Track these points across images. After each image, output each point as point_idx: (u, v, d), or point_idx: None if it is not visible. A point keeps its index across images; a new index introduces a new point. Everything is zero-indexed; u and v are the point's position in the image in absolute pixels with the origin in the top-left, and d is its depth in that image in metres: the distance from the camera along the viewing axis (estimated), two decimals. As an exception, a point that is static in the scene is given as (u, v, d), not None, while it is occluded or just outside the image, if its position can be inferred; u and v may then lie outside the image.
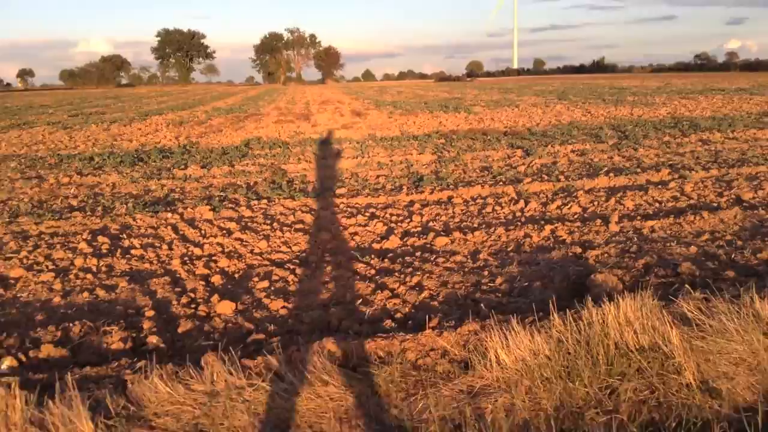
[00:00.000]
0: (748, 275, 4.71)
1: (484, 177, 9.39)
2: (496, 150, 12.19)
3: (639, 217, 6.62)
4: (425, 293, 4.60)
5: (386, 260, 5.45)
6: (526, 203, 7.49)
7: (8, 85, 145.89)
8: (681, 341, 3.61)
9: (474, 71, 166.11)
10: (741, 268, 4.95)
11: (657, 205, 7.24)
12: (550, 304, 3.70)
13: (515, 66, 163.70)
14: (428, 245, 5.92)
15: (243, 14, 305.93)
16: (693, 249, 5.46)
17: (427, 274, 5.04)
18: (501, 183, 8.77)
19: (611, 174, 8.99)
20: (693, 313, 3.88)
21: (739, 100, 23.09)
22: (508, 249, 5.75)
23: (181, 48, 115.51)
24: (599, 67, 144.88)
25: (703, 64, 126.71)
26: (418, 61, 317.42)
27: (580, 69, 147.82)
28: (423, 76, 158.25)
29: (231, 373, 3.25)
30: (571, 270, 5.04)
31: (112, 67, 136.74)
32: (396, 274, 5.09)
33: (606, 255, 5.41)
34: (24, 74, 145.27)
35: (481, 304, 4.25)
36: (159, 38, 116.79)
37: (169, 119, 22.74)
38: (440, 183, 8.82)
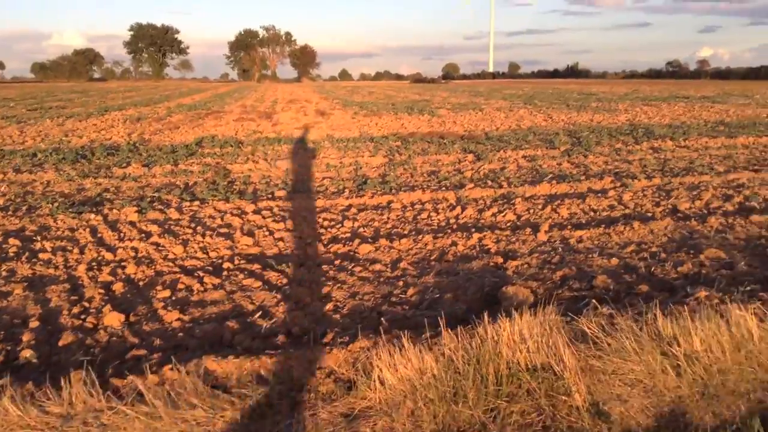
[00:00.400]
0: (663, 290, 4.63)
1: (429, 182, 9.26)
2: (449, 154, 12.07)
3: (570, 227, 6.53)
4: (330, 305, 4.43)
5: (302, 268, 5.27)
6: (463, 210, 7.37)
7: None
8: (576, 361, 3.50)
9: (450, 73, 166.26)
10: (657, 281, 4.86)
11: (592, 214, 7.16)
12: (440, 320, 3.56)
13: (491, 69, 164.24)
14: (351, 252, 5.75)
15: (222, 11, 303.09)
16: (614, 261, 5.37)
17: (339, 285, 4.87)
18: (444, 188, 8.65)
19: (554, 181, 8.92)
20: (593, 330, 3.77)
21: (700, 108, 23.32)
22: (432, 258, 5.61)
23: (154, 43, 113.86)
24: (573, 72, 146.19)
25: (674, 72, 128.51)
26: (395, 61, 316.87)
27: (555, 74, 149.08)
28: (399, 77, 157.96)
29: (91, 395, 3.05)
30: (487, 281, 4.91)
31: (84, 61, 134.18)
32: (307, 283, 4.92)
33: (526, 266, 5.29)
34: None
35: (382, 318, 4.08)
36: (132, 32, 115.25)
37: (128, 115, 22.29)
38: (384, 187, 8.66)
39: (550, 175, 9.46)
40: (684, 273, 5.05)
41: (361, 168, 10.51)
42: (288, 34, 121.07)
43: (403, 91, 49.78)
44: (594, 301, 4.18)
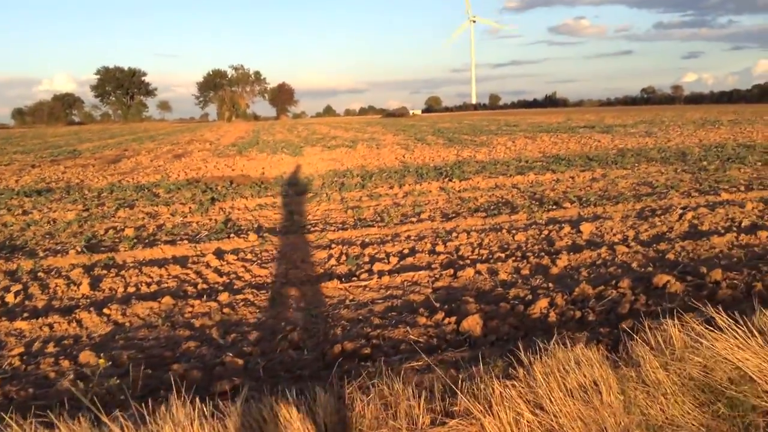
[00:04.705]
0: None
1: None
2: (185, 204, 10.81)
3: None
4: None
5: None
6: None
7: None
8: None
9: (432, 106, 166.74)
10: None
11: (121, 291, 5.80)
12: None
13: (473, 101, 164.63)
14: None
15: (211, 51, 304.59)
16: None
17: None
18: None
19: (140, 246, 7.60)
20: None
21: (573, 140, 22.06)
22: None
23: (121, 85, 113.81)
24: (551, 102, 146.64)
25: (649, 98, 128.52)
26: (383, 96, 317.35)
27: (534, 103, 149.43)
28: (383, 111, 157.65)
29: None
30: None
31: (62, 106, 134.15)
32: None
33: None
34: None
35: None
36: (99, 76, 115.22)
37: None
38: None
39: (206, 233, 8.16)
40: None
41: (38, 222, 9.20)
42: (257, 73, 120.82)
43: (339, 128, 48.70)
44: None
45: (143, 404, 2.88)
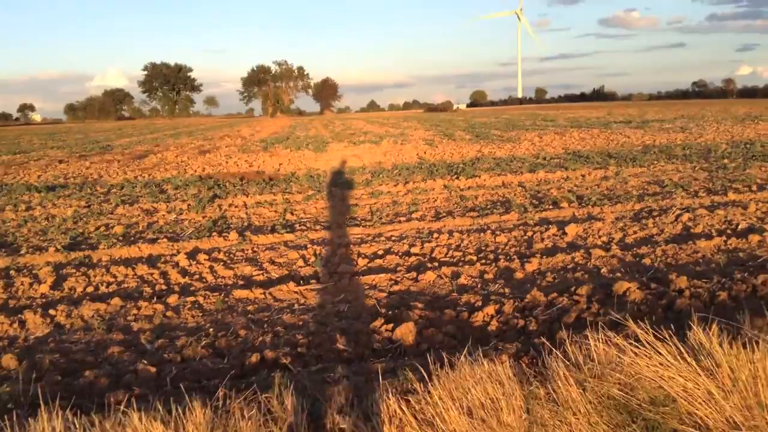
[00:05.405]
0: None
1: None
2: (185, 201, 10.84)
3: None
4: None
5: None
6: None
7: (17, 119, 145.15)
8: None
9: (477, 101, 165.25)
10: None
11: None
12: None
13: (520, 95, 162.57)
14: None
15: (257, 47, 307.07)
16: None
17: None
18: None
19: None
20: None
21: (603, 135, 21.47)
22: None
23: (168, 81, 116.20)
24: (599, 95, 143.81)
25: (700, 92, 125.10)
26: (428, 91, 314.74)
27: (581, 97, 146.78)
28: (426, 106, 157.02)
29: None
30: None
31: (112, 101, 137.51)
32: None
33: None
34: (24, 108, 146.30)
35: None
36: (146, 72, 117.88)
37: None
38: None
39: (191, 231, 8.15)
40: None
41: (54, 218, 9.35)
42: (300, 68, 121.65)
43: (375, 123, 48.52)
44: None
45: (6, 417, 2.79)
